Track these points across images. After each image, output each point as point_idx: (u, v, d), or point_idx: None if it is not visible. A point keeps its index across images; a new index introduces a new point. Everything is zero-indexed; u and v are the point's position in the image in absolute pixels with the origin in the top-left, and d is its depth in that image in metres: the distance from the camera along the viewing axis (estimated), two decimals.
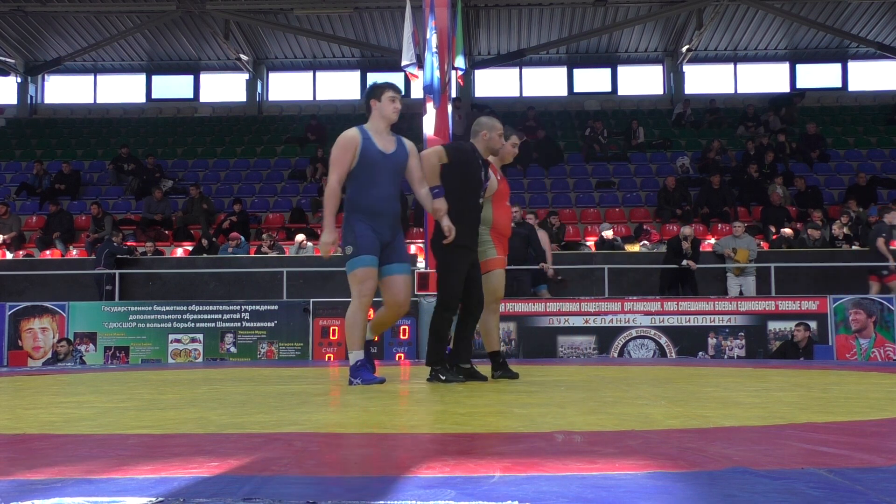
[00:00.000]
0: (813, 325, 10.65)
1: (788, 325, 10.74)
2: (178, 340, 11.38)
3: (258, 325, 11.33)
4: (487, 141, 5.22)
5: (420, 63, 11.53)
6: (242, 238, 13.97)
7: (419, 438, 2.62)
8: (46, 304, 11.76)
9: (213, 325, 11.39)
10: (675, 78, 21.10)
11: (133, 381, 5.74)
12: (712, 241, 13.52)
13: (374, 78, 21.98)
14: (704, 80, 21.53)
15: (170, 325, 11.42)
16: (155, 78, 22.35)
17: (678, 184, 15.47)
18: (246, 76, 21.68)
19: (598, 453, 2.20)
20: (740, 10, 19.29)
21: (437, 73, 11.06)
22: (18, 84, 21.87)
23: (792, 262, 12.39)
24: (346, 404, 4.00)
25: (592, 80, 21.71)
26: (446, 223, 4.94)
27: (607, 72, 21.65)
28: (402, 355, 10.83)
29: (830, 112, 20.34)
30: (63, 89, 22.54)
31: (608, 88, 21.55)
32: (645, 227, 14.56)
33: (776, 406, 3.63)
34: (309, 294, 11.96)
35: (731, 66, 21.68)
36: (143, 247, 14.10)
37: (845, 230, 13.27)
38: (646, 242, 13.71)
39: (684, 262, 11.80)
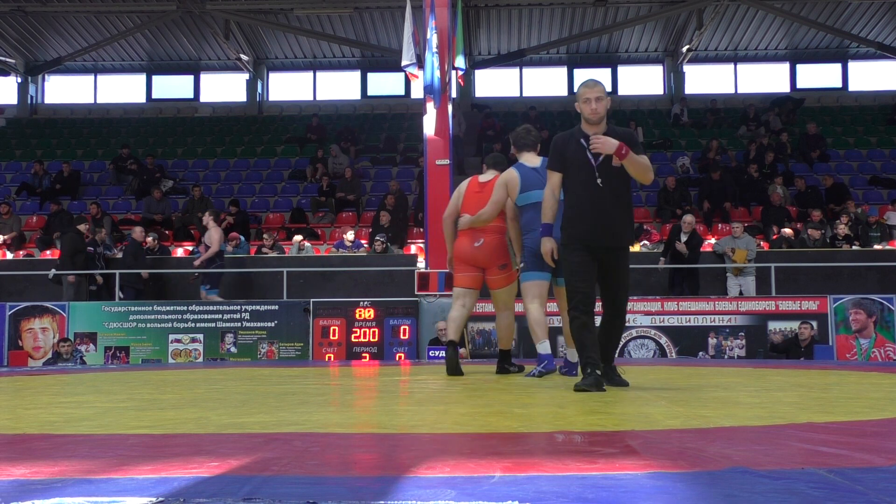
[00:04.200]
0: (813, 325, 10.65)
1: (789, 325, 10.74)
2: (178, 340, 11.38)
3: (258, 325, 11.33)
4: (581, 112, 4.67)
5: (420, 63, 11.53)
6: (242, 238, 13.97)
7: (419, 438, 2.62)
8: (46, 304, 11.76)
9: (213, 325, 11.39)
10: (675, 78, 21.10)
11: (133, 381, 5.73)
12: (712, 241, 13.53)
13: (374, 78, 22.00)
14: (705, 80, 21.53)
15: (170, 325, 11.42)
16: (155, 78, 22.34)
17: (678, 184, 15.47)
18: (246, 76, 21.68)
19: (598, 453, 2.20)
20: (740, 10, 19.28)
21: (437, 73, 11.07)
22: (18, 84, 21.86)
23: (792, 262, 12.38)
24: (346, 404, 4.00)
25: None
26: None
27: (607, 72, 21.63)
28: (403, 355, 10.83)
29: (830, 112, 20.33)
30: (63, 89, 22.53)
31: (608, 88, 21.24)
32: (645, 227, 14.56)
33: (776, 406, 3.63)
34: (309, 294, 11.96)
35: (732, 66, 21.67)
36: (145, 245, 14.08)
37: (845, 230, 13.27)
38: (646, 242, 13.71)
39: (677, 244, 11.90)
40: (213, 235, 12.06)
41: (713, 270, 12.45)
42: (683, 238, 12.04)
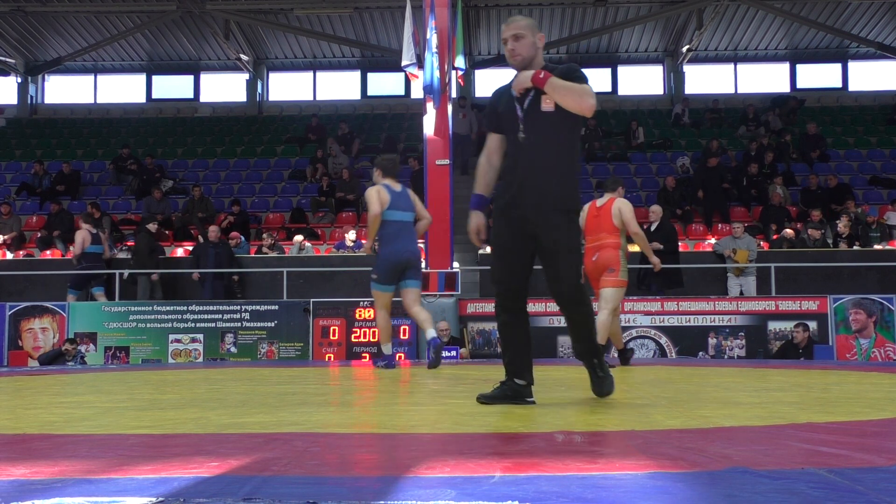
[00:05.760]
0: (813, 325, 10.65)
1: (789, 325, 10.73)
2: (178, 340, 11.37)
3: (258, 325, 11.33)
4: None
5: (420, 63, 11.53)
6: (242, 238, 13.97)
7: (419, 438, 2.62)
8: (46, 304, 11.75)
9: (213, 325, 11.38)
10: (675, 78, 21.10)
11: (133, 381, 5.73)
12: (712, 241, 13.51)
13: (374, 78, 22.00)
14: (705, 80, 21.53)
15: (170, 325, 11.41)
16: (155, 78, 22.34)
17: (678, 184, 15.47)
18: (246, 76, 21.68)
19: (598, 453, 2.20)
20: (740, 10, 19.28)
21: (437, 73, 11.06)
22: (18, 84, 21.86)
23: (792, 262, 12.39)
24: (346, 404, 4.00)
25: (593, 80, 21.36)
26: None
27: (607, 72, 21.64)
28: (403, 355, 10.82)
29: (830, 112, 20.33)
30: (63, 89, 22.53)
31: (608, 88, 21.54)
32: (645, 227, 14.54)
33: (776, 406, 3.63)
34: (309, 294, 11.96)
35: (732, 66, 21.67)
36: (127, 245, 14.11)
37: (846, 229, 13.27)
38: None
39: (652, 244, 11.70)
40: (77, 237, 12.31)
41: (713, 270, 12.44)
42: (653, 228, 11.84)
